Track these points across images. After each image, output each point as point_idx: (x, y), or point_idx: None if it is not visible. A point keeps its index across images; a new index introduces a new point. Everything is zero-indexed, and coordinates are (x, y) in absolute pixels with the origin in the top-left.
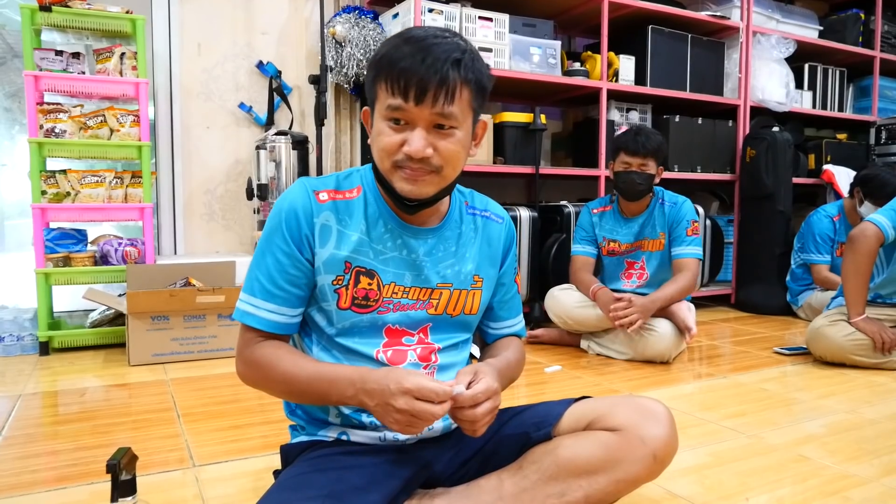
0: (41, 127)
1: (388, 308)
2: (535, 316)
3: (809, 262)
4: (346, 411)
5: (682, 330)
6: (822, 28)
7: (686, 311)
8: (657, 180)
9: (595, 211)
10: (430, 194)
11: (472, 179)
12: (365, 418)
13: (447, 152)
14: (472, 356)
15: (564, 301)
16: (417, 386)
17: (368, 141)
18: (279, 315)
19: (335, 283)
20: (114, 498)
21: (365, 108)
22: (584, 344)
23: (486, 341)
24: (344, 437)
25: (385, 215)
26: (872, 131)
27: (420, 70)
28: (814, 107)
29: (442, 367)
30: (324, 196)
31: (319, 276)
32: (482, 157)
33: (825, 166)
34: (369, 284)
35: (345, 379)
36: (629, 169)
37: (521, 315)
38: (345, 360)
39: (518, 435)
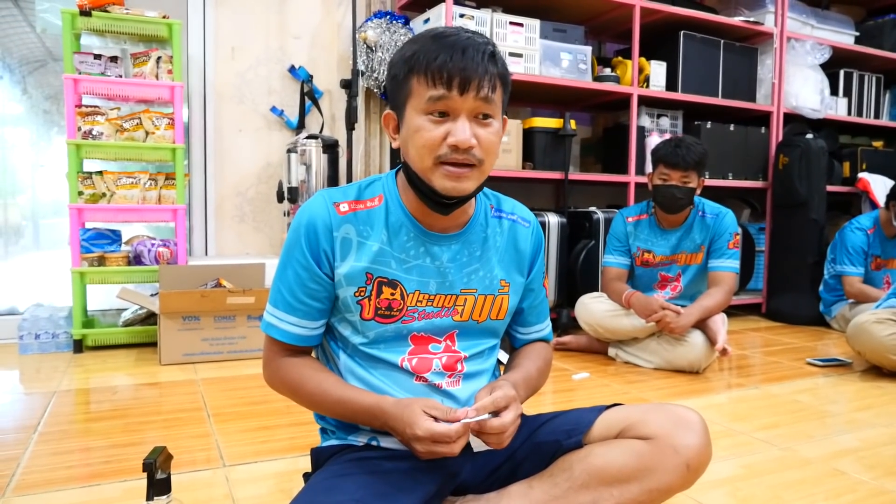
0: (79, 129)
1: (413, 317)
2: (563, 322)
3: (842, 274)
4: None
5: (712, 342)
6: (858, 34)
7: (720, 323)
8: (698, 191)
9: (630, 219)
10: (471, 190)
11: (500, 184)
12: None
13: (488, 143)
14: (499, 362)
15: (595, 310)
16: (429, 433)
17: (394, 144)
18: (300, 328)
19: (357, 294)
20: (149, 496)
21: (387, 112)
22: (611, 352)
23: (513, 346)
24: (374, 443)
25: (407, 223)
26: None
27: (462, 61)
28: (849, 114)
29: (468, 375)
30: (344, 207)
31: (341, 288)
32: (511, 162)
33: (860, 174)
34: (392, 294)
35: (367, 412)
36: (668, 182)
37: (549, 319)
38: (370, 368)
39: (549, 442)
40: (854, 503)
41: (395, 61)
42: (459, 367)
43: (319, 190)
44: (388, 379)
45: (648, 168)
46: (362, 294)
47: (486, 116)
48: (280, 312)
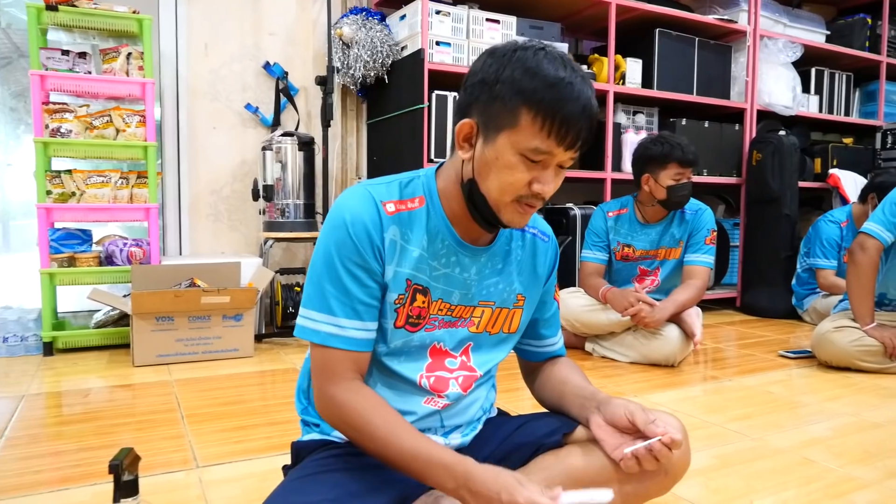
0: (47, 126)
1: (434, 325)
2: None
3: (815, 267)
4: None
5: (688, 335)
6: (829, 32)
7: (694, 316)
8: None
9: (611, 214)
10: (527, 223)
11: None
12: None
13: (557, 188)
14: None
15: (573, 305)
16: (529, 502)
17: (463, 155)
18: (365, 332)
19: (397, 301)
20: (116, 498)
21: (467, 120)
22: (588, 346)
23: (527, 360)
24: None
25: (444, 231)
26: (878, 136)
27: (581, 120)
28: (820, 111)
29: (473, 389)
30: (391, 207)
31: (386, 293)
32: None
33: (831, 170)
34: (423, 302)
35: (445, 468)
36: (683, 181)
37: (561, 332)
38: (383, 384)
39: (530, 443)
40: (822, 490)
41: (506, 81)
42: (472, 386)
43: (358, 183)
44: (397, 396)
45: (626, 166)
46: (401, 301)
47: (566, 167)
48: (340, 320)
